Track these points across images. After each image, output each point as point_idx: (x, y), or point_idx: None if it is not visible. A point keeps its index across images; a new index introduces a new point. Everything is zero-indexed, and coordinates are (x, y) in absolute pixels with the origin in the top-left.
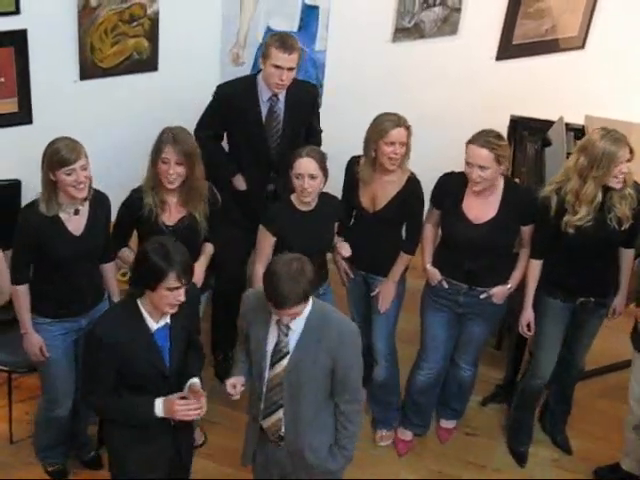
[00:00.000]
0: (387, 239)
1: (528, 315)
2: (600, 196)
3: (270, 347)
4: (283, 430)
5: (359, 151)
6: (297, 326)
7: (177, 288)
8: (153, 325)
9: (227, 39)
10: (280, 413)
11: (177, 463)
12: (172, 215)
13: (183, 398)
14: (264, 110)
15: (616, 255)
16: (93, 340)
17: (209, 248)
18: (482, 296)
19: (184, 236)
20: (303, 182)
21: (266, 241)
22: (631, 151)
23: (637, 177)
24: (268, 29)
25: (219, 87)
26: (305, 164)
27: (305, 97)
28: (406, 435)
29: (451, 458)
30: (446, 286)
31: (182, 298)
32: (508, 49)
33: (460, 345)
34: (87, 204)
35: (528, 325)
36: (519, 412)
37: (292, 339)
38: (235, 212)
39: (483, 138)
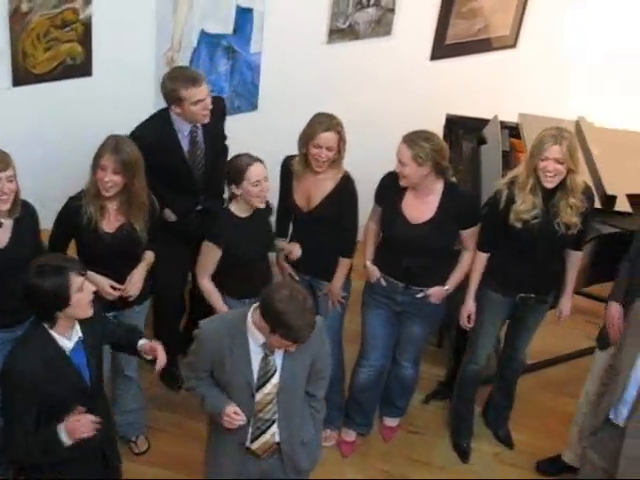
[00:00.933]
0: (325, 240)
1: (469, 307)
2: (532, 184)
3: (255, 369)
4: (276, 444)
5: (294, 152)
6: None
7: (83, 283)
8: (67, 344)
9: (161, 43)
10: (273, 429)
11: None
12: (111, 222)
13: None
14: (186, 145)
15: (562, 255)
16: (9, 382)
17: (149, 255)
18: (419, 295)
19: (124, 244)
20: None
21: (213, 256)
22: (570, 160)
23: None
24: (202, 32)
25: (135, 132)
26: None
27: (217, 113)
28: (349, 436)
29: (396, 456)
30: (384, 284)
31: (92, 288)
32: (442, 49)
33: (401, 344)
34: (12, 215)
35: (469, 317)
36: (459, 402)
37: (277, 355)
38: (171, 232)
39: (411, 136)
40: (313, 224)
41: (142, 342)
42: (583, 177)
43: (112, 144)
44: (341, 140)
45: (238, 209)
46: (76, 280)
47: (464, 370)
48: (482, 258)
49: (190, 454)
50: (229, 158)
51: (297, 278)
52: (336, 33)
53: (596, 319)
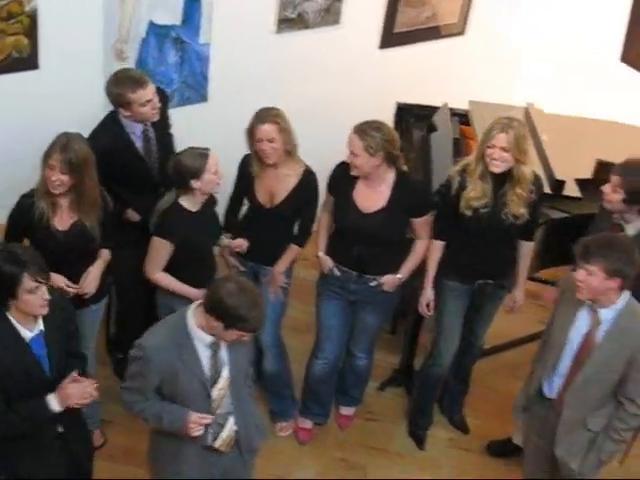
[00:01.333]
0: (281, 233)
1: (428, 295)
2: (480, 170)
3: (207, 369)
4: (235, 435)
5: (244, 144)
6: None
7: (37, 288)
8: (27, 334)
9: (109, 34)
10: (231, 421)
11: (75, 470)
12: (64, 219)
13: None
14: (140, 145)
15: (513, 242)
16: None
17: (105, 254)
18: (372, 284)
19: (77, 241)
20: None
21: (164, 251)
22: (516, 149)
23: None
24: (151, 23)
25: (89, 144)
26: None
27: (163, 106)
28: (306, 423)
29: (353, 444)
30: (338, 273)
31: (47, 296)
32: (390, 38)
33: (354, 334)
34: None
35: (428, 305)
36: (421, 398)
37: (223, 349)
38: (130, 234)
39: (361, 126)
40: (273, 219)
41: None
42: (532, 167)
43: (61, 142)
44: (281, 130)
45: (189, 203)
46: (28, 282)
47: (428, 372)
48: (437, 246)
49: (145, 447)
50: (176, 155)
51: (242, 269)
52: (285, 23)
53: (548, 304)
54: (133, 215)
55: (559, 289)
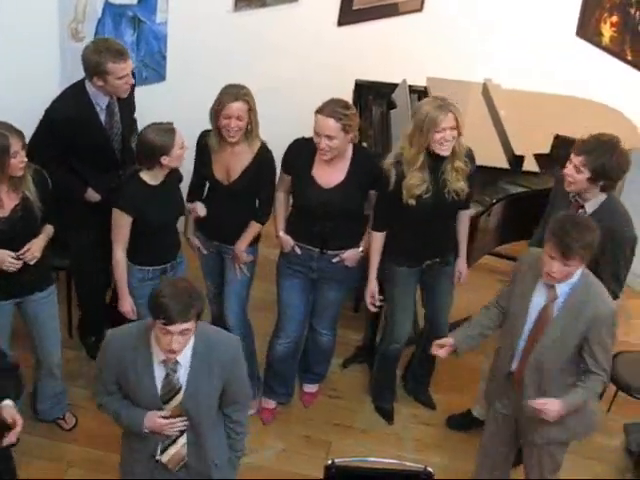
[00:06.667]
0: (241, 210)
1: (372, 287)
2: (421, 161)
3: (159, 386)
4: (186, 457)
5: (206, 124)
6: (185, 360)
7: None
8: None
9: (65, 14)
10: (182, 440)
11: None
12: (5, 205)
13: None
14: (103, 117)
15: (454, 218)
16: None
17: (48, 228)
18: (334, 260)
19: (21, 225)
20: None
21: (124, 223)
22: (457, 121)
23: (476, 130)
24: (107, 2)
25: (51, 113)
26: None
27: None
28: (269, 403)
29: (317, 421)
30: (299, 252)
31: None
32: (349, 14)
33: (317, 311)
34: None
35: (373, 297)
36: (381, 374)
37: (182, 374)
38: (91, 219)
39: (331, 107)
40: (231, 196)
41: (6, 403)
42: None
43: None
44: (250, 110)
45: (149, 177)
46: None
47: (385, 350)
48: (378, 237)
49: (109, 430)
50: (141, 132)
51: (205, 252)
52: (243, 1)
53: (508, 278)
54: (93, 195)
55: (517, 266)
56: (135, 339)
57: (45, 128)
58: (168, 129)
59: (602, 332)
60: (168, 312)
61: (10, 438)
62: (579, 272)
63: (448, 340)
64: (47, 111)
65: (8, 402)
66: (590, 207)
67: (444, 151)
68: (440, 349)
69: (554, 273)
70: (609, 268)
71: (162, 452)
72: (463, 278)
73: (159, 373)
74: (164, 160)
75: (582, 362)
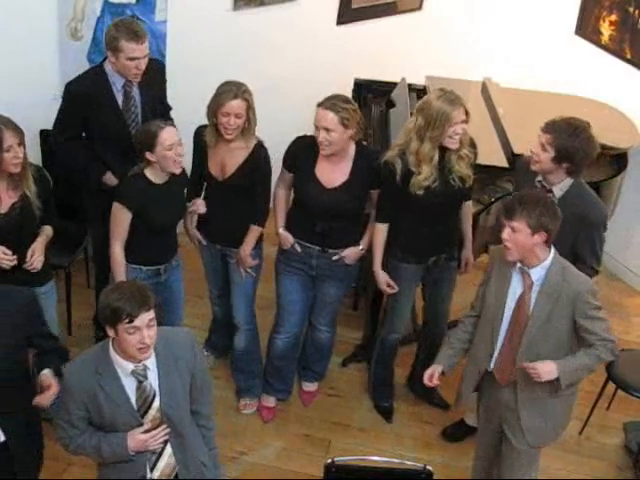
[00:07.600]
0: (239, 209)
1: (381, 277)
2: (437, 157)
3: (133, 399)
4: (176, 465)
5: (205, 122)
6: (151, 363)
7: None
8: None
9: (64, 13)
10: (168, 450)
11: None
12: (3, 202)
13: None
14: (120, 99)
15: (458, 211)
16: None
17: (47, 230)
18: (334, 258)
19: (19, 222)
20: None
21: (123, 218)
22: (467, 113)
23: (476, 129)
24: (106, 1)
25: (69, 86)
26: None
27: (155, 75)
28: (269, 401)
29: (316, 420)
30: (299, 249)
31: None
32: (348, 13)
33: (316, 308)
34: None
35: (389, 284)
36: (379, 366)
37: (152, 378)
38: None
39: (330, 101)
40: (227, 193)
41: (46, 372)
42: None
43: None
44: (249, 108)
45: (153, 175)
46: None
47: (385, 340)
48: (382, 229)
49: None
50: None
51: (205, 243)
52: (242, 0)
53: None
54: (111, 178)
55: (489, 264)
56: (94, 364)
57: (64, 103)
58: (156, 126)
59: (587, 306)
60: (128, 308)
61: (42, 399)
62: (551, 255)
63: (435, 368)
64: (66, 85)
65: (47, 371)
66: (558, 191)
67: (454, 144)
68: (430, 380)
69: (506, 241)
70: (587, 247)
71: (152, 470)
72: (468, 268)
73: (130, 385)
74: (149, 156)
75: (582, 343)
